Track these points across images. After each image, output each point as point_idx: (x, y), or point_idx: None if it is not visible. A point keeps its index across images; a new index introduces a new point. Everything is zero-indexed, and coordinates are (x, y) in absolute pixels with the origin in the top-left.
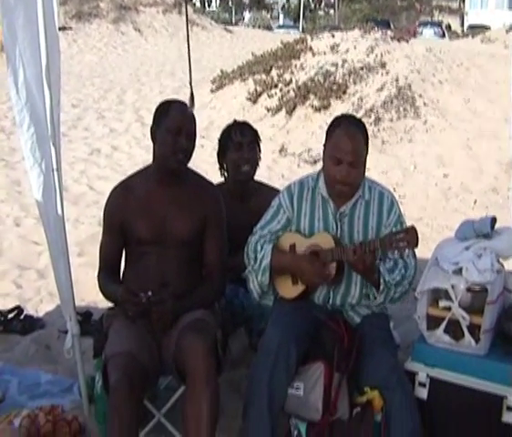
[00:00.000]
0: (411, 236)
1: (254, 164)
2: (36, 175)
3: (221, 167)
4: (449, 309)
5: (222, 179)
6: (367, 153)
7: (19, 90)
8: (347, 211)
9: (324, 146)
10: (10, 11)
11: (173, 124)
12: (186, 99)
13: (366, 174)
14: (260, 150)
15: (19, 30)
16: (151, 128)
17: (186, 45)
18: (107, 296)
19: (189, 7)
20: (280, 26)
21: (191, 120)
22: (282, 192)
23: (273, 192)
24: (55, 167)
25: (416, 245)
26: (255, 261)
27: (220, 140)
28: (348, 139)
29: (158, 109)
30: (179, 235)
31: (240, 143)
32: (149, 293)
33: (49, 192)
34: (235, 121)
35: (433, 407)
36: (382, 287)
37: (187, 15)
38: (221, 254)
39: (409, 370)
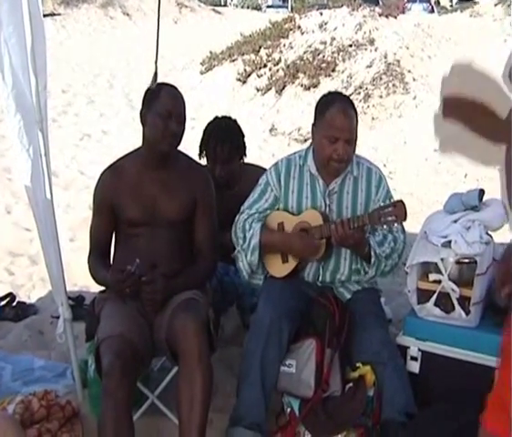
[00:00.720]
0: (399, 210)
1: (230, 173)
2: (24, 161)
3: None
4: (439, 282)
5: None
6: (357, 128)
7: (5, 76)
8: (336, 188)
9: (314, 125)
10: None
11: (163, 108)
12: (175, 82)
13: (357, 150)
14: (242, 153)
15: (4, 16)
16: (141, 112)
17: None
18: (97, 281)
19: None
20: (269, 6)
21: (181, 104)
22: (270, 170)
23: (259, 171)
24: (43, 152)
25: (405, 218)
26: (244, 241)
27: (202, 134)
28: (344, 117)
29: (147, 93)
30: (168, 216)
31: (214, 160)
32: (137, 261)
33: (38, 178)
34: (216, 126)
35: (425, 380)
36: (373, 259)
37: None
38: (212, 234)
39: (401, 345)
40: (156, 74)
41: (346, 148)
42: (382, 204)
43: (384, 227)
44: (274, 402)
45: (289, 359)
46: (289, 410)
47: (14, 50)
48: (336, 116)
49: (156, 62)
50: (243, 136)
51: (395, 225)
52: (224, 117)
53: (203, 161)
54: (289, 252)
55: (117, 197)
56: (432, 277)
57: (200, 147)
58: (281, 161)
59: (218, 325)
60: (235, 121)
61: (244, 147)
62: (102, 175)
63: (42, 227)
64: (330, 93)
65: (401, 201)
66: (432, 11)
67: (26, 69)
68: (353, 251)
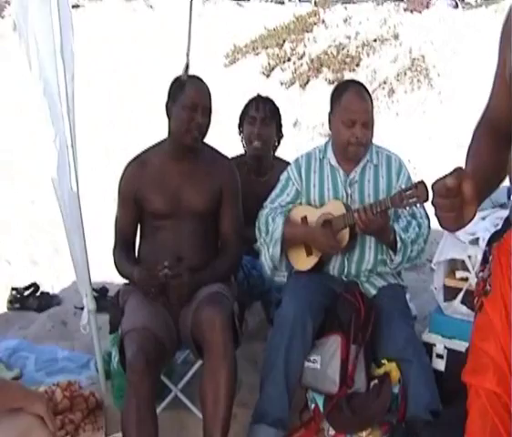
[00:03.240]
0: (420, 190)
1: (267, 140)
2: (50, 152)
3: (241, 140)
4: (466, 279)
5: (240, 152)
6: (373, 113)
7: (32, 66)
8: (357, 177)
9: (331, 113)
10: None
11: (189, 100)
12: (199, 75)
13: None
14: (278, 128)
15: (31, 6)
16: (166, 104)
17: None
18: (122, 274)
19: None
20: None
21: (207, 96)
22: (290, 165)
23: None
24: (69, 143)
25: (427, 198)
26: (266, 234)
27: (241, 112)
28: (359, 100)
29: (173, 85)
30: (193, 207)
31: (253, 117)
32: (165, 263)
33: (64, 169)
34: (257, 95)
35: (450, 378)
36: (399, 245)
37: None
38: (237, 226)
39: (426, 342)
40: (187, 65)
41: (364, 131)
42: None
43: (407, 209)
44: (298, 398)
45: (313, 354)
46: (313, 405)
47: (42, 40)
48: (352, 100)
49: (188, 54)
50: (281, 119)
51: (419, 209)
52: None
53: (242, 141)
54: (312, 246)
55: (142, 189)
56: (459, 274)
57: (240, 118)
58: (301, 156)
59: (242, 319)
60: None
61: (281, 126)
62: (127, 167)
63: (67, 218)
64: (344, 81)
65: (422, 181)
66: (456, 6)
67: (54, 59)
68: (379, 239)
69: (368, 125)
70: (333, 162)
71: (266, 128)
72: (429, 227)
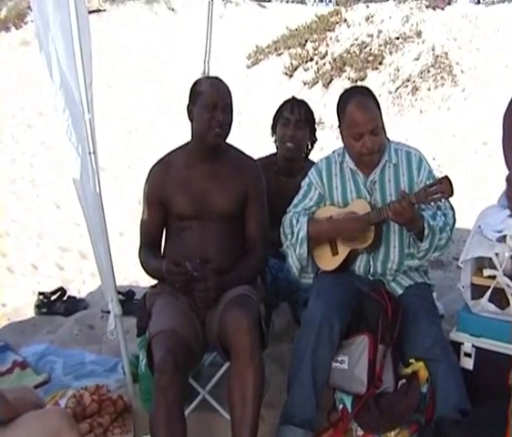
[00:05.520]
0: (445, 185)
1: (299, 143)
2: (74, 158)
3: (274, 141)
4: (494, 277)
5: (266, 154)
6: (381, 114)
7: (53, 74)
8: (376, 178)
9: (339, 127)
10: None
11: (208, 100)
12: (221, 77)
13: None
14: (312, 132)
15: (50, 15)
16: (188, 107)
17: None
18: (149, 272)
19: None
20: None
21: (226, 93)
22: (310, 171)
23: None
24: (91, 150)
25: (451, 194)
26: (292, 235)
27: (275, 113)
28: (362, 111)
29: (193, 87)
30: (219, 209)
31: (287, 119)
32: (197, 261)
33: (86, 174)
34: (292, 97)
35: (479, 377)
36: (426, 231)
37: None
38: (263, 228)
39: (454, 341)
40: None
41: (373, 139)
42: (427, 183)
43: (432, 204)
44: (325, 399)
45: (341, 355)
46: (341, 406)
47: (60, 48)
48: (354, 113)
49: (206, 61)
50: (315, 123)
51: (443, 201)
52: None
53: (275, 142)
54: (339, 236)
55: (167, 190)
56: (486, 272)
57: (274, 118)
58: (320, 161)
59: (269, 321)
60: None
61: (314, 130)
62: (152, 169)
63: (91, 223)
64: (345, 91)
65: (446, 177)
66: (478, 2)
67: (73, 67)
68: (410, 229)
69: (377, 130)
70: (352, 166)
71: (299, 131)
72: (454, 218)
